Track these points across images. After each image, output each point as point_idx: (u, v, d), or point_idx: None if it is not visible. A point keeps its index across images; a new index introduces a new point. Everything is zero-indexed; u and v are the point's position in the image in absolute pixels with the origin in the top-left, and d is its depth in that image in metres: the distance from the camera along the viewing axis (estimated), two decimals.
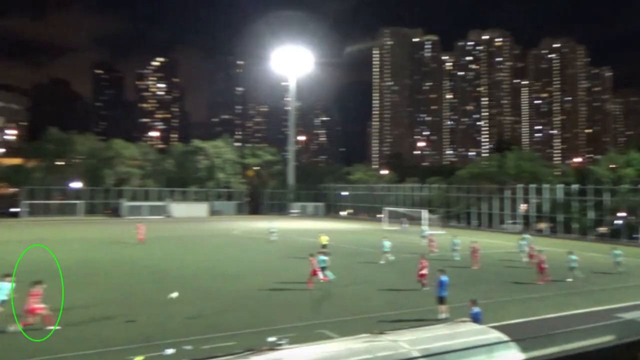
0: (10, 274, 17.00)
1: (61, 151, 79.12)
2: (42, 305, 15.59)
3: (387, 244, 31.04)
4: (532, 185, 58.33)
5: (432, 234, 42.51)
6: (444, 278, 18.16)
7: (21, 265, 28.44)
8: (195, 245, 39.53)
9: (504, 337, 10.22)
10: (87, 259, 30.58)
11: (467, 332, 10.28)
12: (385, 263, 30.16)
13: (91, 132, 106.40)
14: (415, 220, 62.75)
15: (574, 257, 26.75)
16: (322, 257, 23.60)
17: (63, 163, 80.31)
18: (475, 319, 13.49)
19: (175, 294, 18.43)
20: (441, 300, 17.93)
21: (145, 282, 23.60)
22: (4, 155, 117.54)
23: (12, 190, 77.57)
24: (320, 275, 22.56)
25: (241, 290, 22.17)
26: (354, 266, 29.62)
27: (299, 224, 65.90)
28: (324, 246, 32.13)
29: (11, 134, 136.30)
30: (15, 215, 69.56)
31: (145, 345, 14.16)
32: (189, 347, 13.85)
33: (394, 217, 64.02)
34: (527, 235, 38.63)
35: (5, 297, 15.99)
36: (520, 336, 11.49)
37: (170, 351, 13.39)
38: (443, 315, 17.37)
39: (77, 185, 76.34)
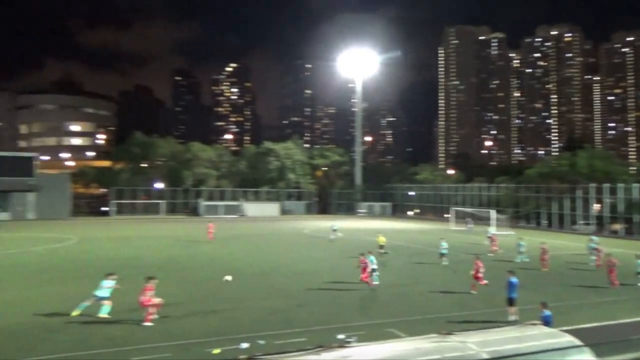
0: (113, 273, 18.38)
1: (145, 154, 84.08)
2: (156, 299, 16.73)
3: (445, 244, 30.46)
4: (606, 185, 56.59)
5: (495, 234, 42.14)
6: (514, 279, 17.80)
7: (113, 261, 31.93)
8: (267, 243, 40.90)
9: (577, 342, 9.72)
10: (171, 256, 32.54)
11: (537, 335, 9.79)
12: (448, 264, 29.84)
13: (171, 135, 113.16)
14: (482, 220, 62.56)
15: None
16: (372, 258, 23.26)
17: (147, 165, 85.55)
18: (546, 321, 12.91)
19: (229, 277, 19.86)
20: (511, 302, 17.52)
21: (221, 278, 24.40)
22: (95, 158, 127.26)
23: (102, 190, 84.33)
24: (368, 277, 22.48)
25: (312, 288, 22.59)
26: (419, 266, 29.98)
27: (366, 223, 66.87)
28: (381, 246, 32.45)
29: (101, 139, 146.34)
30: (105, 214, 75.97)
31: (222, 338, 14.77)
32: (262, 342, 14.34)
33: (461, 217, 64.02)
34: (594, 237, 37.69)
35: (107, 294, 17.48)
36: (594, 341, 10.77)
37: (245, 345, 13.89)
38: (512, 317, 17.05)
39: (159, 185, 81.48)
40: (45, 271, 26.16)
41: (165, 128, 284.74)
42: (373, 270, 22.41)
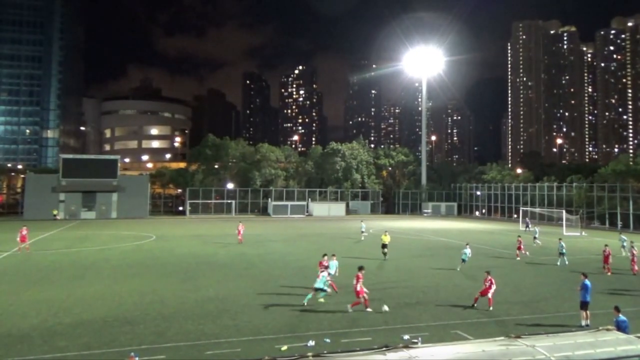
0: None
1: (217, 155, 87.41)
2: (364, 289, 18.09)
3: (468, 251, 28.02)
4: None
5: (536, 235, 41.34)
6: (587, 282, 17.14)
7: (190, 257, 34.06)
8: (333, 242, 41.49)
9: None
10: (242, 253, 34.32)
11: (612, 342, 9.25)
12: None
13: (242, 137, 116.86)
14: (552, 221, 60.85)
15: None
16: (333, 263, 22.46)
17: (219, 166, 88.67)
18: (621, 327, 12.24)
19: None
20: (584, 306, 16.88)
21: (290, 277, 25.20)
22: (172, 160, 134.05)
23: (178, 191, 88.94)
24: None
25: (378, 287, 22.28)
26: (487, 267, 29.28)
27: (431, 223, 66.64)
28: (384, 245, 31.55)
29: (177, 141, 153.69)
30: (181, 213, 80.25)
31: (291, 335, 15.03)
32: (328, 340, 14.45)
33: (531, 218, 62.64)
34: (623, 237, 37.07)
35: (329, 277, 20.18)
36: None
37: (311, 343, 14.09)
38: (584, 322, 16.51)
39: (230, 186, 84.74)
40: (129, 267, 28.19)
41: (236, 130, 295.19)
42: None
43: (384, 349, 8.16)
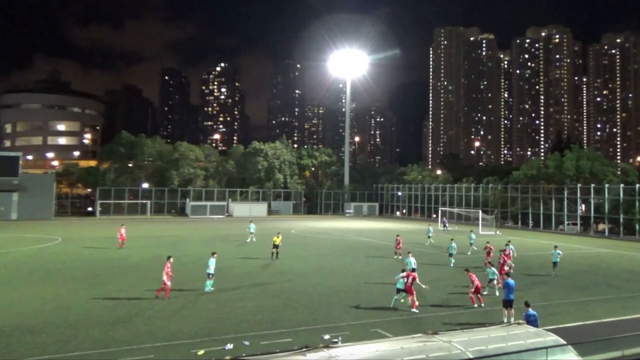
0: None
1: (132, 154, 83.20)
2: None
3: (412, 260, 24.73)
4: (592, 185, 57.01)
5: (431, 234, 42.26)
6: (511, 281, 17.65)
7: (99, 261, 31.44)
8: (254, 243, 40.48)
9: (561, 341, 9.97)
10: (156, 256, 32.17)
11: (522, 335, 9.99)
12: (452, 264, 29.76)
13: (159, 135, 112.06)
14: (470, 220, 62.98)
15: (559, 252, 27.53)
16: (211, 260, 21.76)
17: (133, 165, 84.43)
18: (530, 321, 12.91)
19: (230, 346, 14.58)
20: (507, 304, 17.28)
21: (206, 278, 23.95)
22: (81, 157, 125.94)
23: (87, 190, 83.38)
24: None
25: (298, 288, 22.59)
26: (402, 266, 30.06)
27: (353, 224, 67.14)
28: (275, 246, 31.41)
29: (87, 138, 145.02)
30: (90, 214, 75.10)
31: (208, 339, 14.68)
32: (246, 343, 14.23)
33: (450, 218, 64.56)
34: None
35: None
36: (578, 340, 11.13)
37: (230, 346, 13.83)
38: (506, 320, 16.81)
39: (145, 185, 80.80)
40: (30, 272, 25.75)
41: (153, 128, 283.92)
42: (209, 274, 21.36)
43: (304, 349, 8.29)
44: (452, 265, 29.46)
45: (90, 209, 78.02)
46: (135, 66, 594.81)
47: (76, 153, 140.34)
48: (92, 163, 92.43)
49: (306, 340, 13.23)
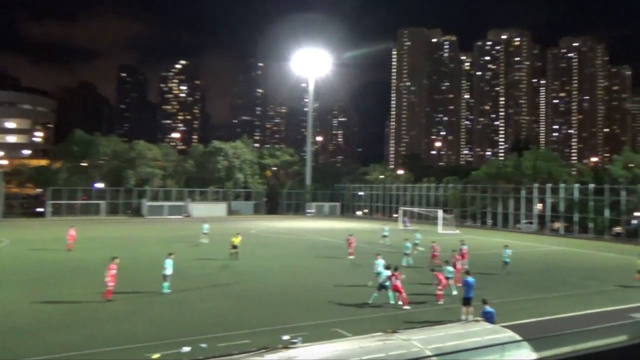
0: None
1: (85, 153, 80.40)
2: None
3: (380, 262, 23.12)
4: (548, 185, 58.38)
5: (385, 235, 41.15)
6: (470, 279, 17.84)
7: (48, 263, 29.93)
8: (213, 244, 39.50)
9: (517, 337, 10.22)
10: (109, 257, 31.26)
11: (479, 332, 10.24)
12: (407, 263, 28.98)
13: (115, 134, 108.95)
14: (432, 220, 63.50)
15: (508, 251, 27.49)
16: (168, 261, 21.56)
17: (87, 164, 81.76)
18: (488, 318, 13.27)
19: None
20: (466, 302, 17.53)
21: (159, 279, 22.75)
22: (31, 156, 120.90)
23: (38, 190, 79.93)
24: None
25: (258, 289, 22.30)
26: (365, 265, 29.19)
27: (315, 223, 66.84)
28: (234, 247, 31.01)
29: (38, 136, 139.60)
30: (40, 215, 71.90)
31: (163, 343, 14.33)
32: (204, 345, 13.87)
33: (410, 217, 64.96)
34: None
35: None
36: (533, 336, 11.60)
37: (186, 349, 13.50)
38: (464, 317, 16.95)
39: (100, 185, 78.18)
40: None
41: (108, 126, 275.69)
42: (165, 276, 21.11)
43: (263, 350, 8.22)
44: (405, 264, 28.41)
45: (40, 209, 74.74)
46: (91, 63, 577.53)
47: (26, 152, 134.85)
48: (44, 162, 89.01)
49: (265, 341, 12.68)
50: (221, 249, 34.20)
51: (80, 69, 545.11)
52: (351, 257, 31.88)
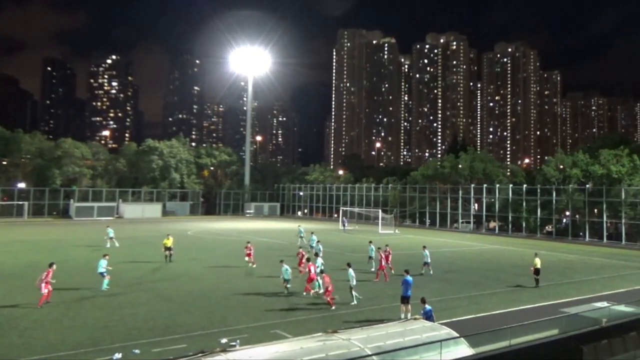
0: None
1: (6, 150, 75.40)
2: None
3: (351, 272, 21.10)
4: (484, 185, 59.96)
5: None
6: (409, 278, 17.92)
7: None
8: (146, 246, 38.18)
9: (454, 334, 10.57)
10: (32, 262, 28.97)
11: (418, 330, 10.51)
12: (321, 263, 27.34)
13: (39, 130, 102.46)
14: (372, 220, 63.67)
15: (427, 252, 27.24)
16: (102, 261, 21.56)
17: (7, 163, 76.52)
18: (427, 316, 13.64)
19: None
20: (404, 300, 17.60)
21: (96, 284, 21.89)
22: None
23: None
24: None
25: (194, 292, 21.74)
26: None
27: (253, 224, 65.67)
28: (168, 248, 29.92)
29: None
30: None
31: (94, 350, 13.65)
32: (137, 351, 13.45)
33: (351, 217, 64.86)
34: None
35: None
36: (470, 332, 11.93)
37: (118, 356, 12.95)
38: (403, 315, 17.05)
39: (22, 185, 73.19)
40: None
41: (32, 122, 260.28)
42: (102, 274, 21.42)
43: (200, 354, 8.20)
44: (373, 269, 27.02)
45: None
46: (13, 55, 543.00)
47: None
48: None
49: (202, 345, 12.56)
50: (154, 252, 32.80)
51: (2, 61, 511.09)
52: (252, 265, 28.54)
